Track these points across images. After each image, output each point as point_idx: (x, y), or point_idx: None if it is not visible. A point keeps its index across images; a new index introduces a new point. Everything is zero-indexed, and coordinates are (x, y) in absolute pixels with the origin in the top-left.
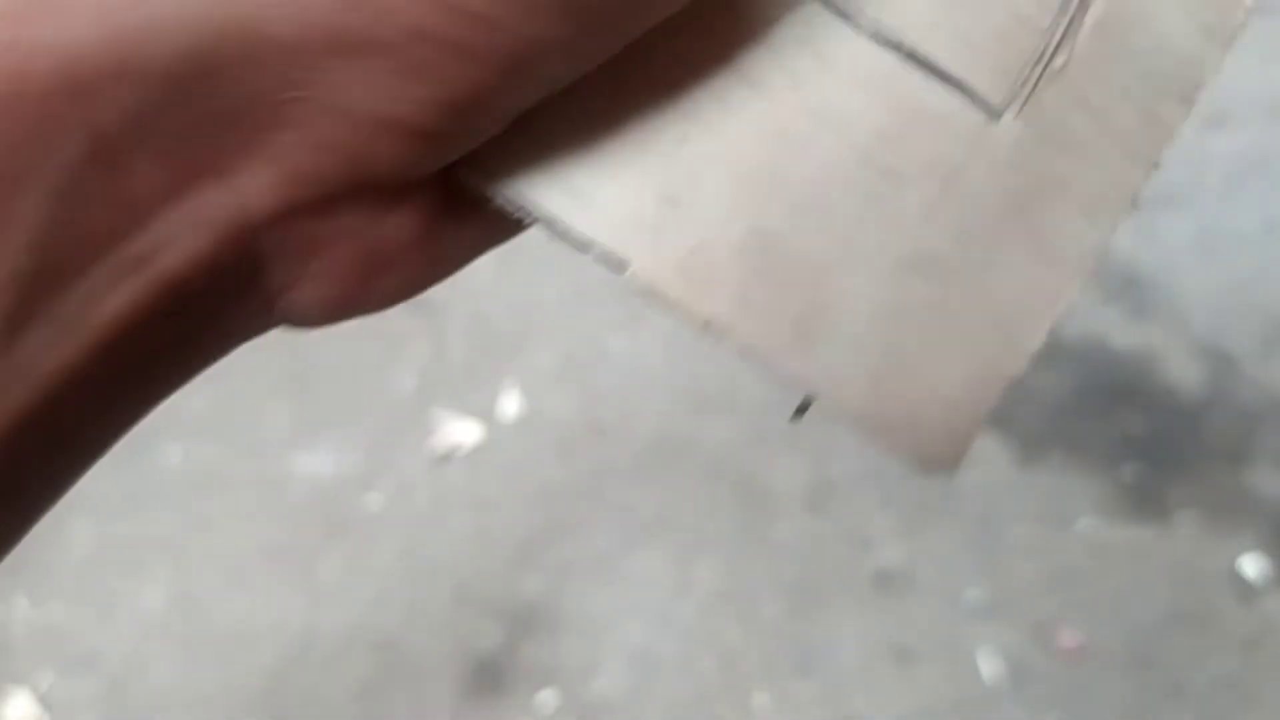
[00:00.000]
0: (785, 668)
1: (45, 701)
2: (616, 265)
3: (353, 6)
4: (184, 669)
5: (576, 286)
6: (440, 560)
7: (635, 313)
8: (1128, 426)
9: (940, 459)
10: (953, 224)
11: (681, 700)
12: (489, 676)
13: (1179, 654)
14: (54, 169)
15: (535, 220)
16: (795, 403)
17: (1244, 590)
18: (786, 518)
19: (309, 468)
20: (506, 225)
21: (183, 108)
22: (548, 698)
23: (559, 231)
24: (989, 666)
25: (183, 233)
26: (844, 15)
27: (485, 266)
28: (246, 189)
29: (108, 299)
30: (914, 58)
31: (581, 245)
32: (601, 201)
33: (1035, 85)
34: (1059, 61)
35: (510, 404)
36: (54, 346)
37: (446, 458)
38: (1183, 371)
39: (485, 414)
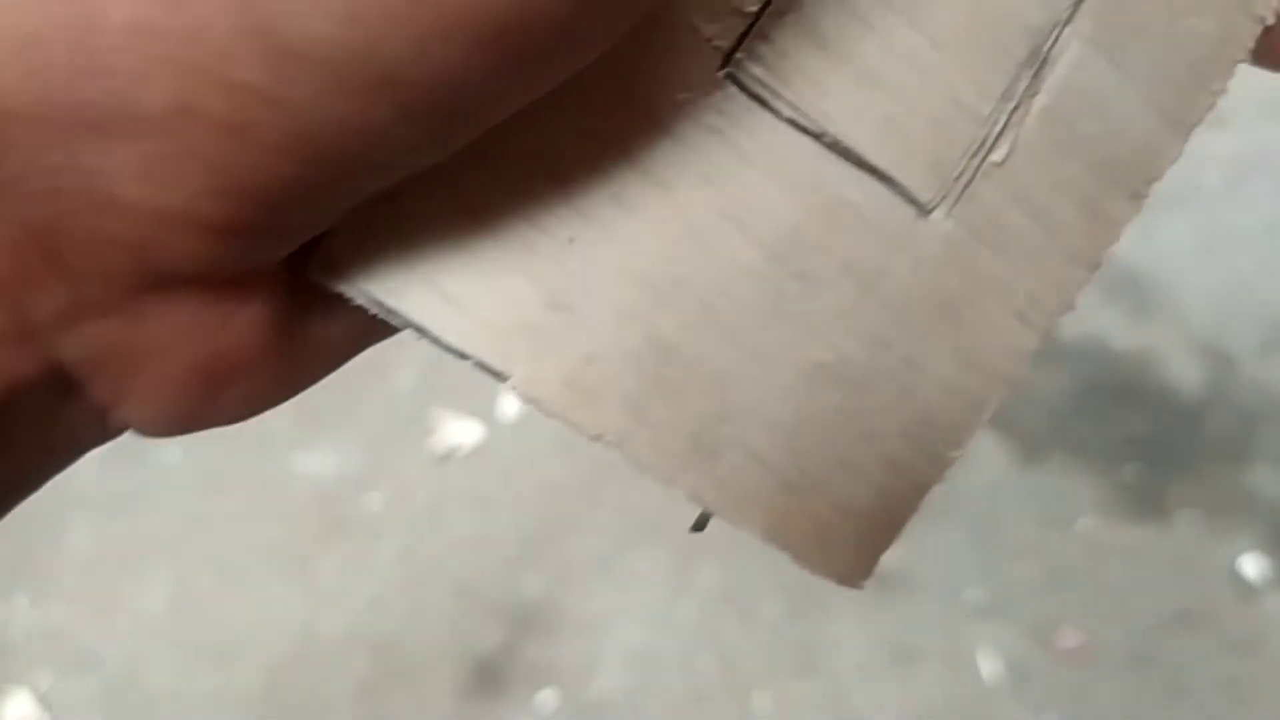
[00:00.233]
0: (785, 668)
1: (45, 701)
2: (496, 376)
3: (101, 73)
4: (184, 669)
5: None
6: (440, 560)
7: None
8: (1128, 426)
9: (852, 573)
10: (869, 328)
11: (681, 700)
12: (489, 676)
13: (1179, 654)
14: None
15: (403, 325)
16: (695, 515)
17: (1244, 590)
18: None
19: (309, 468)
20: (379, 323)
21: None
22: (548, 698)
23: (430, 339)
24: (989, 666)
25: None
26: (761, 100)
27: None
28: (28, 296)
29: None
30: (837, 148)
31: (457, 354)
32: (478, 307)
33: (971, 179)
34: (999, 153)
35: (510, 404)
36: None
37: (446, 458)
38: (1183, 371)
39: (485, 414)
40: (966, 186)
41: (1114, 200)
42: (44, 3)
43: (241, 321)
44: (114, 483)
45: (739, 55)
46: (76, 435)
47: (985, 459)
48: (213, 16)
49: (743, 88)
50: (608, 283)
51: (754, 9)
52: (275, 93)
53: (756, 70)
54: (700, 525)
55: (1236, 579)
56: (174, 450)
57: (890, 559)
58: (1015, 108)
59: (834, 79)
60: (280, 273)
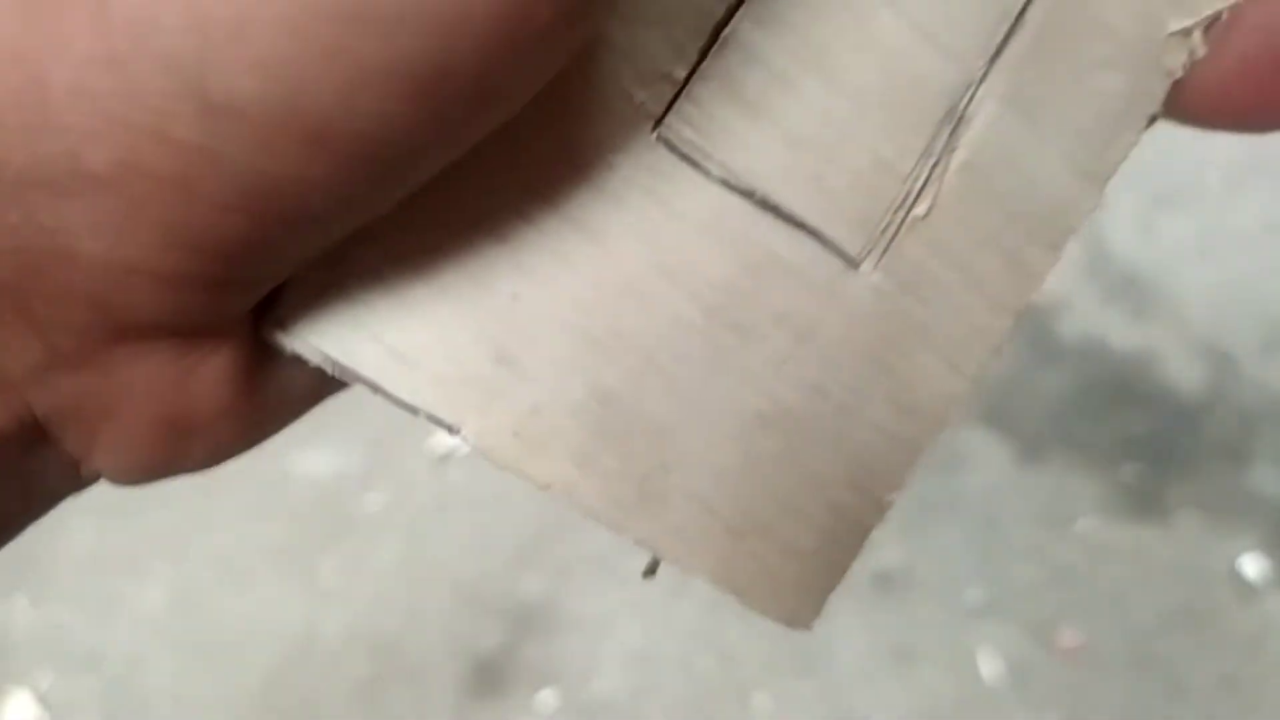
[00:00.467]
0: (785, 668)
1: (45, 701)
2: (447, 429)
3: (50, 134)
4: (184, 669)
5: None
6: (440, 560)
7: None
8: (1128, 426)
9: (799, 615)
10: (806, 377)
11: (681, 700)
12: (489, 676)
13: (1179, 654)
14: None
15: (355, 380)
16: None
17: (1244, 590)
18: None
19: (309, 468)
20: (328, 383)
21: None
22: (548, 698)
23: (381, 394)
24: (989, 666)
25: None
26: (692, 161)
27: None
28: (2, 350)
29: None
30: (766, 205)
31: (407, 408)
32: (426, 362)
33: (896, 233)
34: (922, 208)
35: None
36: None
37: (446, 458)
38: (1183, 371)
39: None
40: (892, 240)
41: (1033, 251)
42: None
43: (206, 373)
44: None
45: (669, 119)
46: (51, 484)
47: (985, 459)
48: (149, 77)
49: (674, 149)
50: (551, 336)
51: (682, 75)
52: (212, 149)
53: (686, 132)
54: (651, 570)
55: (1236, 579)
56: None
57: (890, 559)
58: (935, 164)
59: (761, 140)
60: (244, 325)
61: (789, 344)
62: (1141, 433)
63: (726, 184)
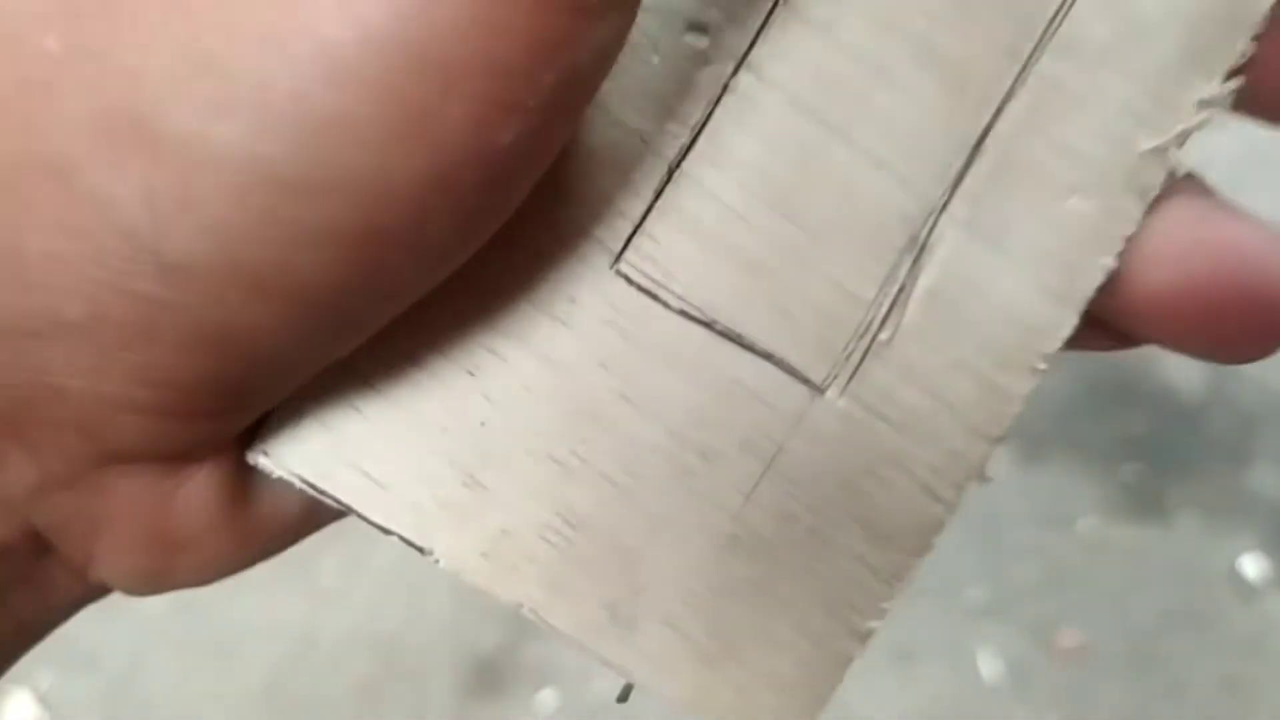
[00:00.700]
0: None
1: (45, 701)
2: (419, 550)
3: (29, 290)
4: (184, 669)
5: None
6: None
7: None
8: (1128, 426)
9: None
10: (776, 503)
11: None
12: (489, 676)
13: (1179, 654)
14: None
15: (333, 504)
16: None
17: (1244, 590)
18: None
19: None
20: (324, 505)
21: None
22: (548, 698)
23: (356, 515)
24: (989, 666)
25: None
26: (649, 293)
27: None
28: (2, 473)
29: None
30: (728, 334)
31: (382, 530)
32: (400, 487)
33: (862, 359)
34: (886, 334)
35: None
36: None
37: None
38: (1183, 371)
39: None
40: (859, 366)
41: (1008, 375)
42: None
43: (190, 493)
44: None
45: (627, 254)
46: (62, 592)
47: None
48: (110, 242)
49: (632, 283)
50: (518, 461)
51: (638, 213)
52: (169, 300)
53: (645, 266)
54: (624, 696)
55: (1236, 579)
56: None
57: None
58: (900, 290)
59: (719, 271)
60: (230, 449)
61: (756, 469)
62: (1141, 433)
63: (686, 314)
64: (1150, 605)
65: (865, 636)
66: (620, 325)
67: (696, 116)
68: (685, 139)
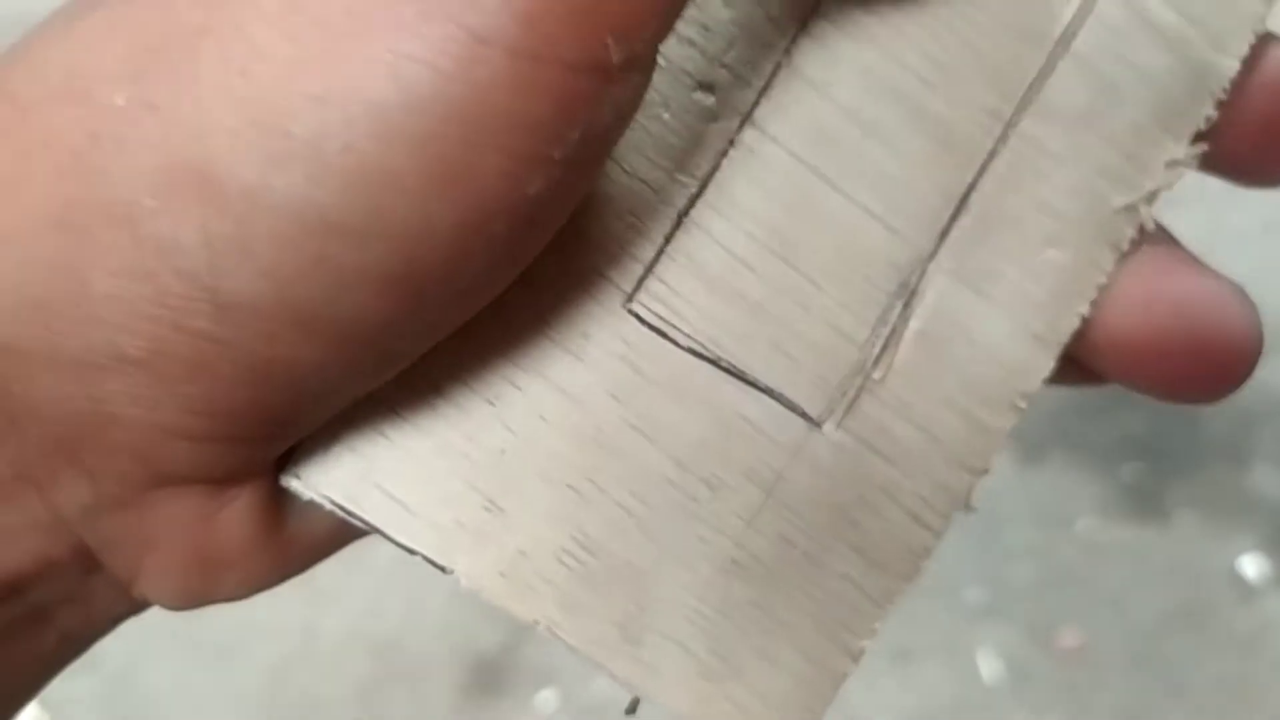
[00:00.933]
0: None
1: (45, 701)
2: (440, 569)
3: (93, 327)
4: (184, 669)
5: None
6: None
7: None
8: (1128, 426)
9: None
10: (775, 528)
11: None
12: (489, 676)
13: (1179, 654)
14: None
15: (360, 524)
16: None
17: (1244, 590)
18: None
19: None
20: (352, 525)
21: None
22: (548, 698)
23: (382, 535)
24: (989, 666)
25: (7, 536)
26: (659, 331)
27: None
28: (57, 492)
29: None
30: (732, 371)
31: (405, 550)
32: (424, 510)
33: (856, 396)
34: (879, 373)
35: None
36: None
37: None
38: None
39: None
40: (853, 402)
41: (992, 412)
42: (48, 279)
43: (232, 514)
44: None
45: (638, 295)
46: (108, 607)
47: None
48: (171, 283)
49: (643, 321)
50: (536, 487)
51: (649, 256)
52: (223, 337)
53: (654, 306)
54: (632, 709)
55: (1236, 579)
56: None
57: None
58: (891, 332)
59: (723, 313)
60: (267, 473)
61: (758, 497)
62: (1141, 433)
63: (693, 351)
64: (1150, 605)
65: (857, 655)
66: (632, 361)
67: (704, 169)
68: (693, 189)
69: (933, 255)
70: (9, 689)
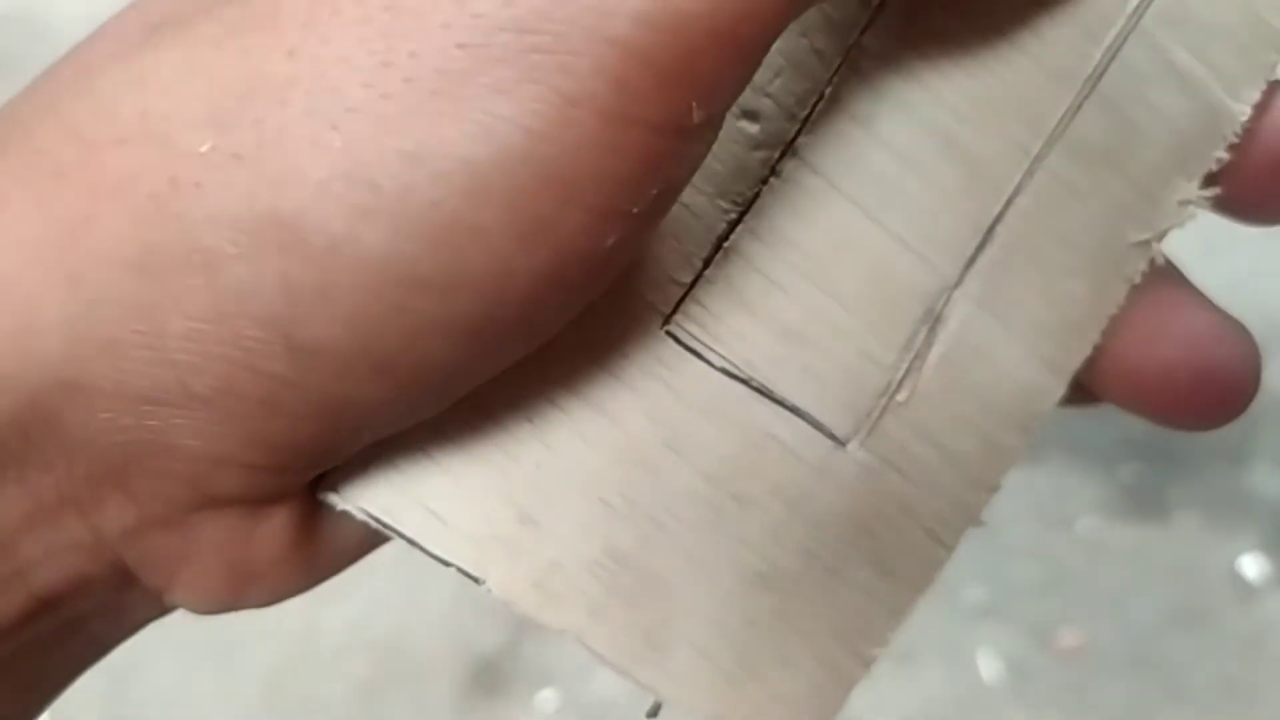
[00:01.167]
0: None
1: None
2: (474, 580)
3: (165, 366)
4: (184, 669)
5: None
6: None
7: None
8: (1128, 426)
9: None
10: (799, 543)
11: None
12: (489, 676)
13: (1179, 654)
14: None
15: (396, 536)
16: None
17: (1244, 590)
18: None
19: None
20: (379, 534)
21: (28, 450)
22: (548, 698)
23: (418, 548)
24: (989, 666)
25: (48, 556)
26: (695, 353)
27: None
28: (100, 515)
29: None
30: (763, 392)
31: (440, 562)
32: (459, 522)
33: (880, 417)
34: (903, 395)
35: None
36: None
37: None
38: None
39: None
40: (877, 422)
41: (1006, 433)
42: (123, 317)
43: (267, 530)
44: None
45: (677, 316)
46: (139, 613)
47: None
48: (247, 328)
49: (680, 342)
50: (570, 501)
51: (688, 280)
52: (294, 378)
53: (691, 328)
54: (654, 713)
55: (1236, 579)
56: None
57: None
58: (915, 357)
59: (758, 335)
60: (302, 491)
61: (783, 513)
62: (1141, 433)
63: (727, 372)
64: (1150, 605)
65: (870, 662)
66: (667, 380)
67: (745, 195)
68: (734, 215)
69: (958, 283)
70: (40, 693)
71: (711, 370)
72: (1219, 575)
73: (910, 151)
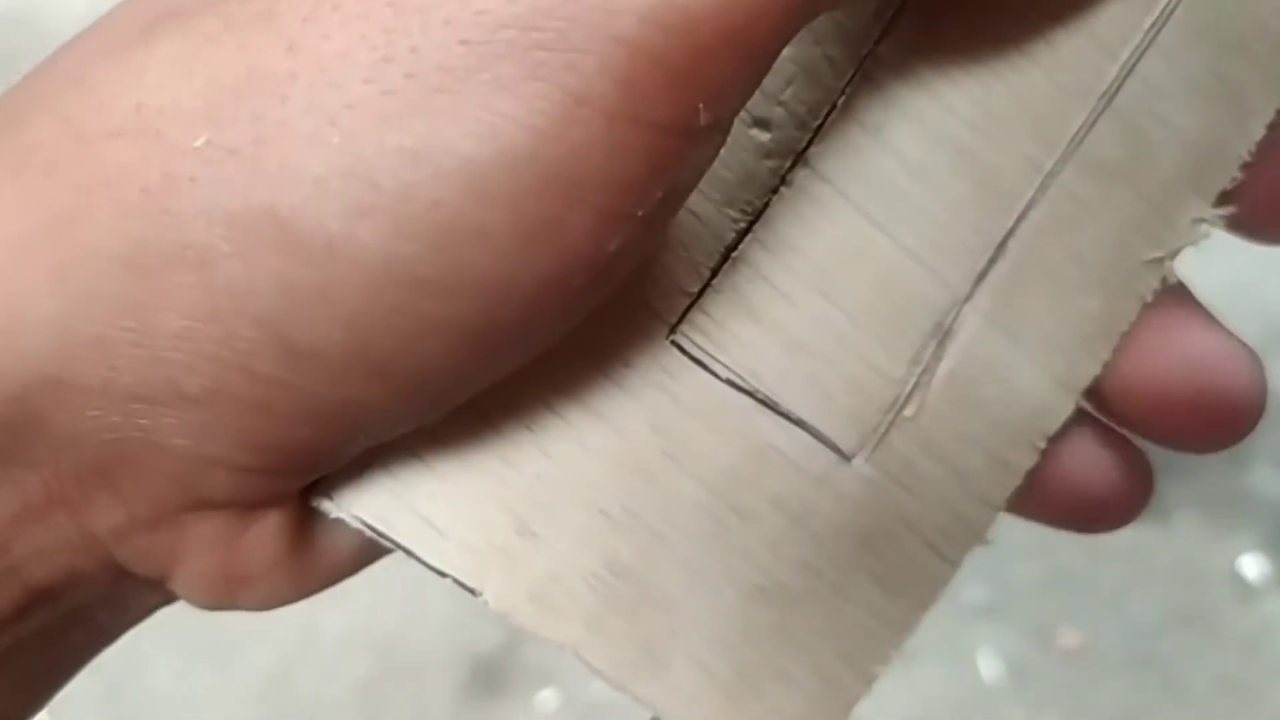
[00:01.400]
0: None
1: None
2: (470, 591)
3: (155, 364)
4: (184, 669)
5: None
6: None
7: None
8: None
9: None
10: (800, 557)
11: None
12: (489, 676)
13: (1179, 654)
14: None
15: (392, 545)
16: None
17: (1244, 590)
18: None
19: None
20: (377, 544)
21: (15, 448)
22: (548, 698)
23: (413, 558)
24: (989, 666)
25: (39, 554)
26: (700, 363)
27: None
28: (89, 513)
29: None
30: (768, 404)
31: (436, 573)
32: (456, 532)
33: (887, 431)
34: (910, 409)
35: None
36: None
37: None
38: None
39: None
40: (883, 437)
41: (1014, 451)
42: (113, 314)
43: (258, 533)
44: None
45: (682, 326)
46: (142, 601)
47: None
48: (241, 328)
49: (685, 352)
50: (569, 512)
51: (695, 289)
52: (288, 381)
53: (697, 338)
54: None
55: (1236, 579)
56: None
57: None
58: (923, 371)
59: (764, 346)
60: (295, 496)
61: (785, 526)
62: None
63: (732, 384)
64: (1150, 605)
65: (872, 679)
66: (670, 390)
67: (755, 205)
68: (743, 224)
69: (969, 298)
70: (47, 682)
71: (716, 381)
72: (1219, 575)
73: (922, 163)
